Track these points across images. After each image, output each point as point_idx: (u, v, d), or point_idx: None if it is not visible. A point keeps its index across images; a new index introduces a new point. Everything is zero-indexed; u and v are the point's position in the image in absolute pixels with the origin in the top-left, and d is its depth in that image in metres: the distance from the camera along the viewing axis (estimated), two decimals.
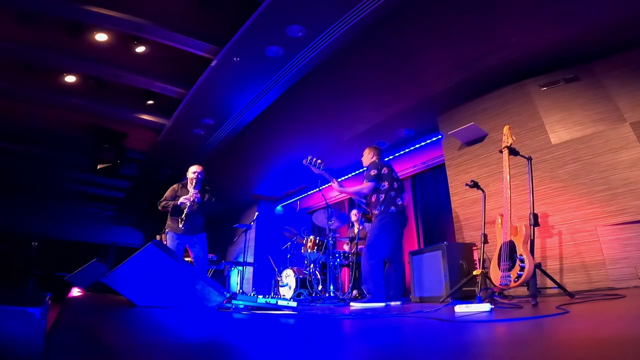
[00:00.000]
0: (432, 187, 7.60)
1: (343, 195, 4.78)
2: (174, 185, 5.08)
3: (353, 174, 8.49)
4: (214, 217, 5.33)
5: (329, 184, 4.79)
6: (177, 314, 2.63)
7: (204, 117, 7.00)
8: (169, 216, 4.96)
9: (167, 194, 5.00)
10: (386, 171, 4.51)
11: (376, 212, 4.45)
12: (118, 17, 5.02)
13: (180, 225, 4.70)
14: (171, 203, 4.84)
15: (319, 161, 4.67)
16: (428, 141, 7.09)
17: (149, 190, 10.59)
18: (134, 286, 3.05)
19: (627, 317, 2.00)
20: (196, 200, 4.77)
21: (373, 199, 4.50)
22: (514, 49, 4.92)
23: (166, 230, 4.94)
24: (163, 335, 1.74)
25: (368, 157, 4.82)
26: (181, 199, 4.76)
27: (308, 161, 4.68)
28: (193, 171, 4.98)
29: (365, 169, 4.72)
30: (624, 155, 4.23)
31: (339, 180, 4.83)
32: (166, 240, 4.91)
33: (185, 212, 4.68)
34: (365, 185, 4.47)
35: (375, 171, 4.47)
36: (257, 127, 7.06)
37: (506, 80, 5.36)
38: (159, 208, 4.97)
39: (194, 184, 4.90)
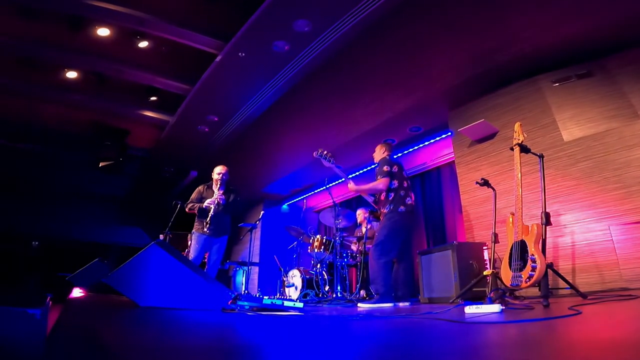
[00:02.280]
0: (442, 185, 7.54)
1: (355, 192, 4.75)
2: (200, 187, 5.12)
3: (361, 171, 8.40)
4: None
5: (337, 181, 4.77)
6: (180, 315, 2.62)
7: (209, 114, 6.94)
8: (196, 217, 4.99)
9: (193, 195, 5.05)
10: (397, 169, 4.48)
11: (385, 210, 4.41)
12: (120, 12, 5.00)
13: (205, 229, 4.76)
14: (197, 206, 4.87)
15: (330, 154, 4.65)
16: (437, 138, 7.01)
17: (153, 189, 10.61)
18: (137, 287, 3.04)
19: None
20: (221, 202, 4.78)
21: (382, 198, 4.47)
22: (526, 44, 4.83)
23: (192, 230, 4.98)
24: (166, 337, 1.71)
25: (379, 153, 4.79)
26: (206, 202, 4.79)
27: (318, 153, 4.66)
28: (217, 172, 5.00)
29: (375, 165, 4.67)
30: (638, 153, 4.15)
31: (349, 177, 4.79)
32: (190, 240, 4.94)
33: (210, 215, 4.71)
34: (380, 181, 4.41)
35: (388, 167, 4.43)
36: (263, 124, 7.01)
37: (517, 76, 5.28)
38: (186, 210, 5.02)
39: (218, 185, 4.92)
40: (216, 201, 4.75)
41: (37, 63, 5.97)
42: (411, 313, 3.10)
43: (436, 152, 7.39)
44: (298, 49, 5.17)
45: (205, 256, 5.14)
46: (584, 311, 2.12)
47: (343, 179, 4.80)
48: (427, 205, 7.76)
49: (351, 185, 4.63)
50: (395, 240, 4.30)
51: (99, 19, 5.21)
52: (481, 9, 4.45)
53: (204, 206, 4.78)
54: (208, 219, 4.69)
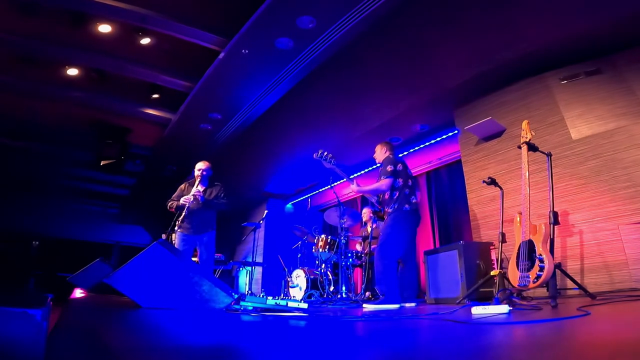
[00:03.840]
0: (448, 184, 7.48)
1: (358, 193, 4.68)
2: (182, 185, 5.04)
3: (365, 170, 8.40)
4: (222, 215, 5.24)
5: (341, 180, 4.70)
6: (183, 316, 2.61)
7: (212, 112, 6.91)
8: None
9: (175, 193, 4.97)
10: (401, 167, 4.41)
11: (389, 210, 4.35)
12: (122, 8, 4.95)
13: (176, 228, 4.69)
14: (175, 203, 4.80)
15: (330, 155, 4.59)
16: (444, 137, 6.99)
17: (155, 188, 10.58)
18: (139, 287, 3.02)
19: None
20: (199, 198, 4.68)
21: (386, 197, 4.41)
22: (534, 41, 4.77)
23: (176, 229, 4.89)
24: (169, 338, 1.70)
25: (381, 153, 4.71)
26: (182, 199, 4.70)
27: (319, 155, 4.59)
28: (198, 168, 4.94)
29: (379, 165, 4.61)
30: None
31: (352, 177, 4.73)
32: (175, 240, 4.86)
33: (183, 214, 4.62)
34: (383, 182, 4.34)
35: (392, 167, 4.35)
36: (266, 122, 6.98)
37: (525, 73, 5.22)
38: (168, 208, 4.94)
39: (198, 181, 4.86)
40: (192, 198, 4.66)
41: (38, 60, 5.92)
42: (417, 314, 3.06)
43: (443, 151, 7.32)
44: (302, 46, 5.12)
45: (196, 254, 5.08)
46: (592, 312, 2.10)
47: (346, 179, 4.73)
48: (433, 205, 7.70)
49: (354, 186, 4.56)
50: (400, 240, 4.23)
51: (100, 15, 5.16)
52: (487, 6, 4.40)
53: (180, 203, 4.70)
54: (181, 217, 4.61)
